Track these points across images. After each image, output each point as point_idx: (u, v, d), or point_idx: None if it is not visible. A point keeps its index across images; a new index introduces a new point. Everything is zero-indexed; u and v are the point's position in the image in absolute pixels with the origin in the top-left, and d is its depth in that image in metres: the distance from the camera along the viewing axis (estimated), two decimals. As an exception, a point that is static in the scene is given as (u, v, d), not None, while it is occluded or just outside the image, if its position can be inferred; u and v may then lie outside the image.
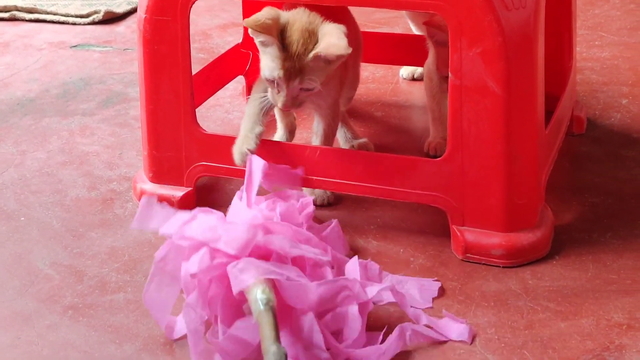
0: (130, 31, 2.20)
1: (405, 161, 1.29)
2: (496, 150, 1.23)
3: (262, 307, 1.02)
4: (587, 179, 1.46)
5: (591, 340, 1.11)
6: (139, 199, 1.43)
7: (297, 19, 1.27)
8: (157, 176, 1.41)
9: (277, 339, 0.99)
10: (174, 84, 1.35)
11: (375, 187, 1.30)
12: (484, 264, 1.26)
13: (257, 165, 1.21)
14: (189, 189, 1.40)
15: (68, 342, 1.14)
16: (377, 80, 1.86)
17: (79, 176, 1.54)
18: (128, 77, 1.93)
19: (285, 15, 1.28)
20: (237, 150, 1.31)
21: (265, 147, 1.33)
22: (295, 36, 1.25)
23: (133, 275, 1.27)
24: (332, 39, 1.23)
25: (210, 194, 1.45)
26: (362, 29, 2.09)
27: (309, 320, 1.06)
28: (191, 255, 1.11)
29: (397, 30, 2.11)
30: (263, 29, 1.24)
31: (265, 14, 1.26)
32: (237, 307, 1.10)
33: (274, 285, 1.07)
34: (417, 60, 1.69)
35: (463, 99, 1.22)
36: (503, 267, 1.25)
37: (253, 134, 1.30)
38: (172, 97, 1.36)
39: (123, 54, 2.07)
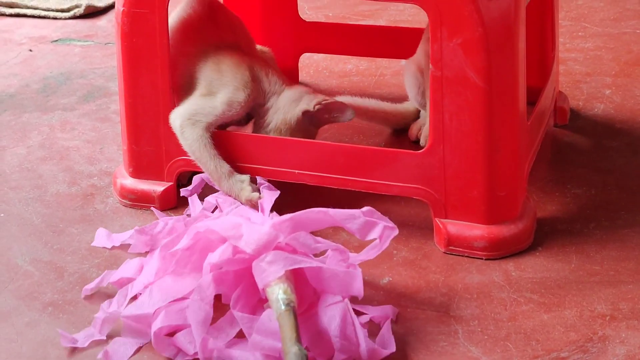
0: (111, 25, 2.19)
1: (387, 154, 1.28)
2: (478, 142, 1.22)
3: (283, 307, 1.02)
4: (570, 170, 1.45)
5: (574, 331, 1.11)
6: (119, 194, 1.42)
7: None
8: (137, 171, 1.40)
9: (298, 340, 0.99)
10: (152, 77, 1.34)
11: (357, 180, 1.29)
12: (466, 256, 1.25)
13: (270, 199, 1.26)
14: (170, 183, 1.39)
15: (48, 339, 1.13)
16: (360, 72, 1.85)
17: (60, 171, 1.52)
18: (109, 71, 1.91)
19: None
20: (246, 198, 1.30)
21: (243, 141, 1.33)
22: None
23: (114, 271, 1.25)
24: None
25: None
26: (346, 21, 2.09)
27: (340, 310, 1.06)
28: (217, 247, 1.12)
29: (381, 22, 2.11)
30: None
31: None
32: (254, 306, 1.09)
33: (304, 278, 1.08)
34: (400, 53, 1.68)
35: (444, 91, 1.21)
36: (486, 259, 1.24)
37: (244, 182, 1.30)
38: (151, 91, 1.35)
39: (104, 48, 2.05)
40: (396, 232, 1.13)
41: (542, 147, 1.49)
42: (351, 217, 1.13)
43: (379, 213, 1.14)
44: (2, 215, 1.40)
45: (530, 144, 1.34)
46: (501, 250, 1.24)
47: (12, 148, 1.61)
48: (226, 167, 1.30)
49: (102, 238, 1.30)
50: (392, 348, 1.06)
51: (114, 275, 1.20)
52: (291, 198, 1.41)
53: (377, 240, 1.13)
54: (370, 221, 1.13)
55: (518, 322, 1.13)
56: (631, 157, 1.48)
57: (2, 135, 1.65)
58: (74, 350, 1.10)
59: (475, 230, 1.24)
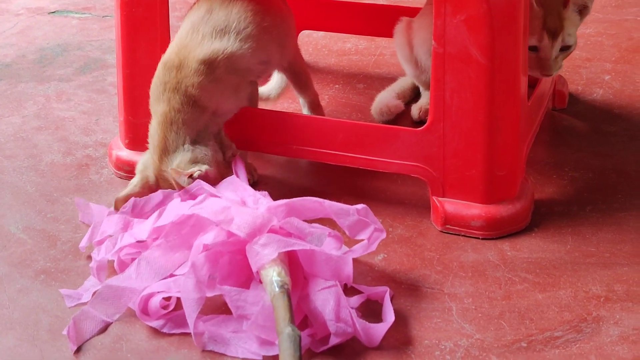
0: (109, -2, 2.17)
1: (387, 131, 1.27)
2: (478, 120, 1.21)
3: (277, 289, 1.02)
4: (568, 153, 1.45)
5: (569, 311, 1.11)
6: (114, 166, 1.41)
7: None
8: (133, 143, 1.39)
9: (292, 320, 0.99)
10: (151, 48, 1.33)
11: (356, 157, 1.28)
12: (462, 235, 1.25)
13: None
14: (166, 155, 1.38)
15: (39, 306, 1.12)
16: (359, 52, 1.84)
17: (55, 141, 1.51)
18: (106, 43, 1.90)
19: None
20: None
21: (247, 116, 1.32)
22: None
23: (107, 241, 1.24)
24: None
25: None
26: (346, -1, 2.07)
27: (334, 293, 1.05)
28: (209, 226, 1.11)
29: (381, 1, 2.09)
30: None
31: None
32: (246, 284, 1.08)
33: (297, 260, 1.07)
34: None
35: (446, 68, 1.20)
36: (482, 238, 1.24)
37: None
38: (149, 62, 1.33)
39: (102, 21, 2.03)
40: (384, 235, 1.12)
41: (540, 130, 1.49)
42: (345, 213, 1.12)
43: (372, 214, 1.12)
44: (-4, 183, 1.39)
45: (529, 125, 1.33)
46: (498, 230, 1.24)
47: (7, 117, 1.60)
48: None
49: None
50: (391, 318, 1.07)
51: (99, 234, 1.19)
52: (289, 174, 1.41)
53: (365, 241, 1.12)
54: (362, 220, 1.12)
55: (512, 301, 1.12)
56: (629, 142, 1.48)
57: (-3, 104, 1.64)
58: (64, 316, 1.10)
59: (472, 210, 1.24)
